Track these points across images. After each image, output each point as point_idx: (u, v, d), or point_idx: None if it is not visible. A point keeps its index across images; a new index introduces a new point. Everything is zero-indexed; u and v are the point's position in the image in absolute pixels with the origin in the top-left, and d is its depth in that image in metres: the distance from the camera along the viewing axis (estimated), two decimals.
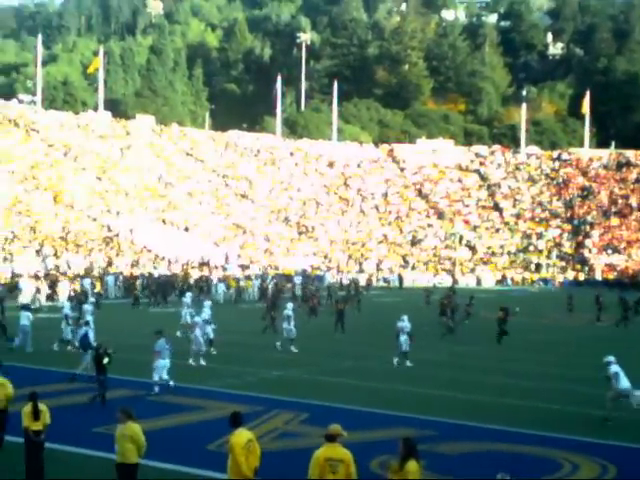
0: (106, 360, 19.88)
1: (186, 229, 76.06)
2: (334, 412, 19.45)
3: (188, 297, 37.80)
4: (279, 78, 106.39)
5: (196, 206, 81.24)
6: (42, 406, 13.81)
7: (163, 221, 76.06)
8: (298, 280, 61.69)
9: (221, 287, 55.47)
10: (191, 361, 26.26)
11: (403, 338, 27.37)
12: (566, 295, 50.89)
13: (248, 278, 61.64)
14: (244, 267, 72.03)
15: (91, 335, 24.37)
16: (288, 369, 26.28)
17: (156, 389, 21.64)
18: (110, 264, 61.76)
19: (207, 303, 30.86)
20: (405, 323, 27.76)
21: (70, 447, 15.75)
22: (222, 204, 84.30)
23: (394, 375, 25.69)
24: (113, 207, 74.25)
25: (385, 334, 31.99)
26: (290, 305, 31.92)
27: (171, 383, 21.82)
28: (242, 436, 11.11)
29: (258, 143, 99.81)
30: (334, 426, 10.83)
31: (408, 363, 27.19)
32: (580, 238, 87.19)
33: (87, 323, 25.55)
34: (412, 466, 10.18)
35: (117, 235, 69.62)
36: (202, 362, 26.39)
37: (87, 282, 51.64)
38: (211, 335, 28.26)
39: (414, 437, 10.96)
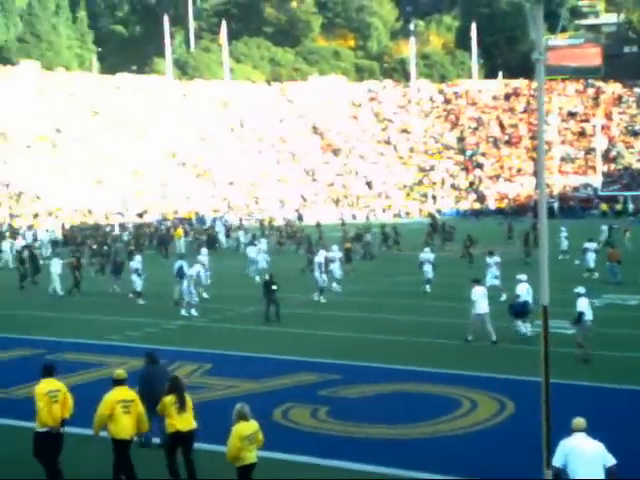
0: (274, 287, 24.74)
1: (80, 177, 74.69)
2: (237, 361, 19.34)
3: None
4: (166, 18, 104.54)
5: (87, 152, 79.54)
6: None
7: (56, 170, 74.47)
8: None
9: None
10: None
11: (428, 268, 30.05)
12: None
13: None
14: (141, 214, 71.55)
15: (185, 267, 27.35)
16: (191, 318, 25.50)
17: None
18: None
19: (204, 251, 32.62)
20: (428, 254, 30.60)
21: None
22: (114, 149, 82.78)
23: (298, 320, 24.99)
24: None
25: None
26: (322, 252, 30.73)
27: None
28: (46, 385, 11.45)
29: (148, 85, 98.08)
30: (119, 371, 11.66)
31: (428, 288, 29.88)
32: (472, 169, 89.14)
33: (182, 257, 30.58)
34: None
35: (7, 186, 68.10)
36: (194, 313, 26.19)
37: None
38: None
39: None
